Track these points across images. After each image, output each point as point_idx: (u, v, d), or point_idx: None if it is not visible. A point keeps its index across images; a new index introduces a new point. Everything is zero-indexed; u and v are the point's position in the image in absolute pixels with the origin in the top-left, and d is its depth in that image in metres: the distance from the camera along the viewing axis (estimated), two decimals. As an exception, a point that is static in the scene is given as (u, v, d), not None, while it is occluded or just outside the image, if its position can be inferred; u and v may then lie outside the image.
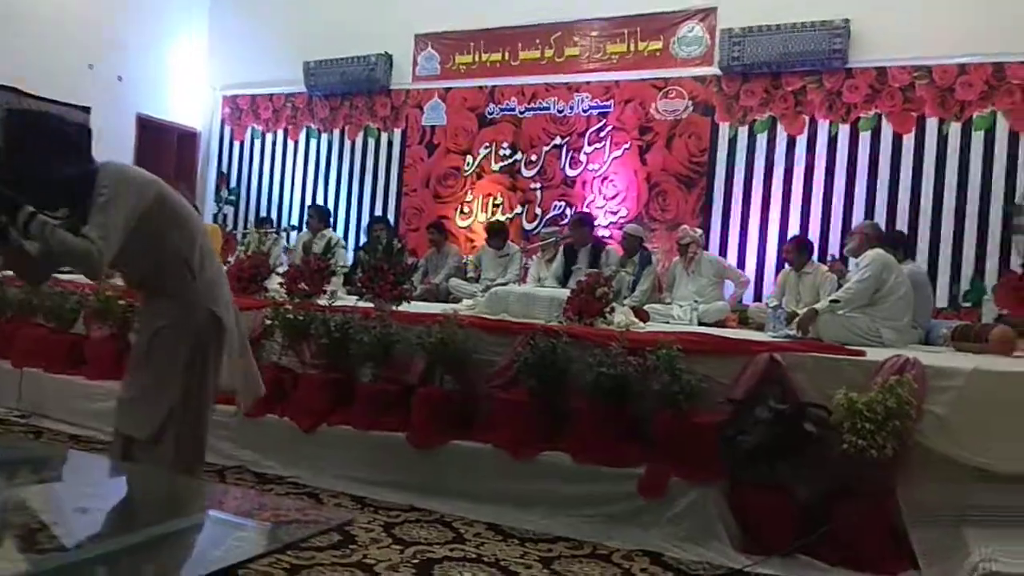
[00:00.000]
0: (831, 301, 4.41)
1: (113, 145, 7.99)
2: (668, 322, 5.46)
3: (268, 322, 4.19)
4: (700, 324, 5.43)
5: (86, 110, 8.20)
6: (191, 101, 9.58)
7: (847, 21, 6.55)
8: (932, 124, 6.41)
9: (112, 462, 2.40)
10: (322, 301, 4.46)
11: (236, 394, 2.56)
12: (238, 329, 2.51)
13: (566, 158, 7.76)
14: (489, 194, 8.09)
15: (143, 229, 2.20)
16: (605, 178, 7.58)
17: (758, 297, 6.56)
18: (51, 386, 4.90)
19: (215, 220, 9.33)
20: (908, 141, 6.49)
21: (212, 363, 2.41)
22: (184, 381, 2.33)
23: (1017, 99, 6.12)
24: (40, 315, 5.19)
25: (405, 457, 3.78)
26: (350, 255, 7.50)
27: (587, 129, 7.66)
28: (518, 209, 7.93)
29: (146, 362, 2.36)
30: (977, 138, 6.25)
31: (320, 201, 8.58)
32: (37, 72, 7.61)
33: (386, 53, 8.47)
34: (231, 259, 5.52)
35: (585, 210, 7.34)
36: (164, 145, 9.33)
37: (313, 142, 9.03)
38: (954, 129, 6.34)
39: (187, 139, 9.69)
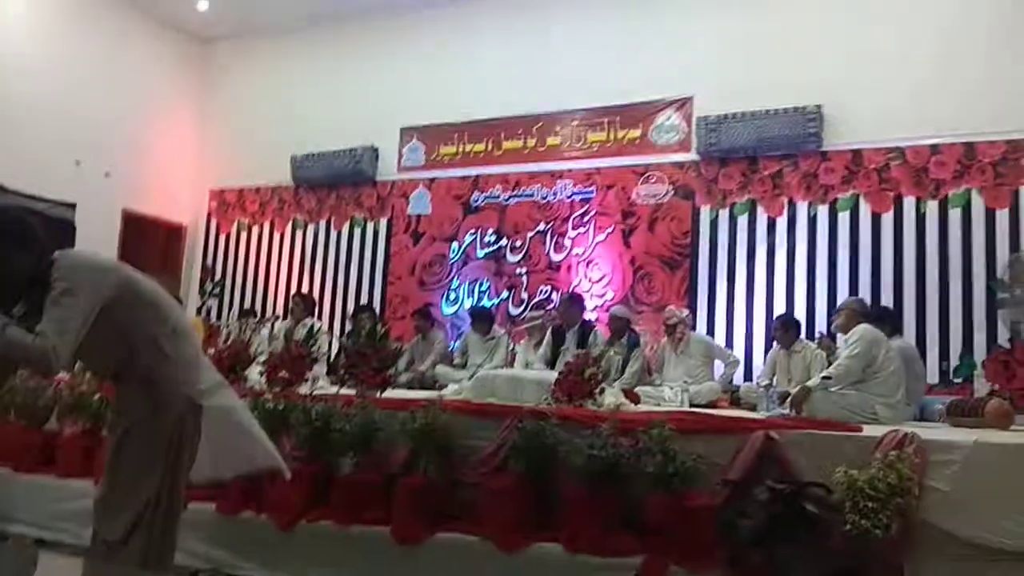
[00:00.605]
0: (823, 378, 4.36)
1: (98, 241, 8.04)
2: (659, 404, 5.36)
3: (247, 412, 4.05)
4: (692, 405, 5.33)
5: (72, 207, 8.24)
6: (178, 196, 9.67)
7: (819, 107, 6.76)
8: (909, 203, 6.52)
9: (84, 564, 2.27)
10: (303, 390, 4.34)
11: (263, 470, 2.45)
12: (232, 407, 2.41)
13: (551, 243, 7.81)
14: (475, 280, 8.09)
15: (107, 318, 2.12)
16: (590, 262, 7.61)
17: (748, 377, 6.48)
18: (20, 486, 4.68)
19: (199, 313, 9.25)
20: (887, 220, 6.58)
21: (187, 457, 2.30)
22: (158, 479, 2.22)
23: (989, 177, 6.26)
24: (11, 411, 5.01)
25: (388, 553, 3.59)
26: (335, 345, 7.41)
27: (571, 215, 7.75)
28: (504, 294, 7.92)
29: (119, 460, 2.26)
30: (954, 216, 6.35)
31: (306, 291, 8.54)
32: (23, 168, 7.68)
33: (372, 145, 8.63)
34: (212, 351, 5.41)
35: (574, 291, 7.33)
36: (149, 240, 9.35)
37: (299, 233, 9.07)
38: (931, 207, 6.44)
39: (173, 233, 9.72)
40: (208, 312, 9.32)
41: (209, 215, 9.67)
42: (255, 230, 9.36)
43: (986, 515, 3.07)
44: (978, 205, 6.28)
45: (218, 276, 9.48)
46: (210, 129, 9.80)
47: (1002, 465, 3.18)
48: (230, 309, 9.15)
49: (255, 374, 4.75)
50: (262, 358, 4.86)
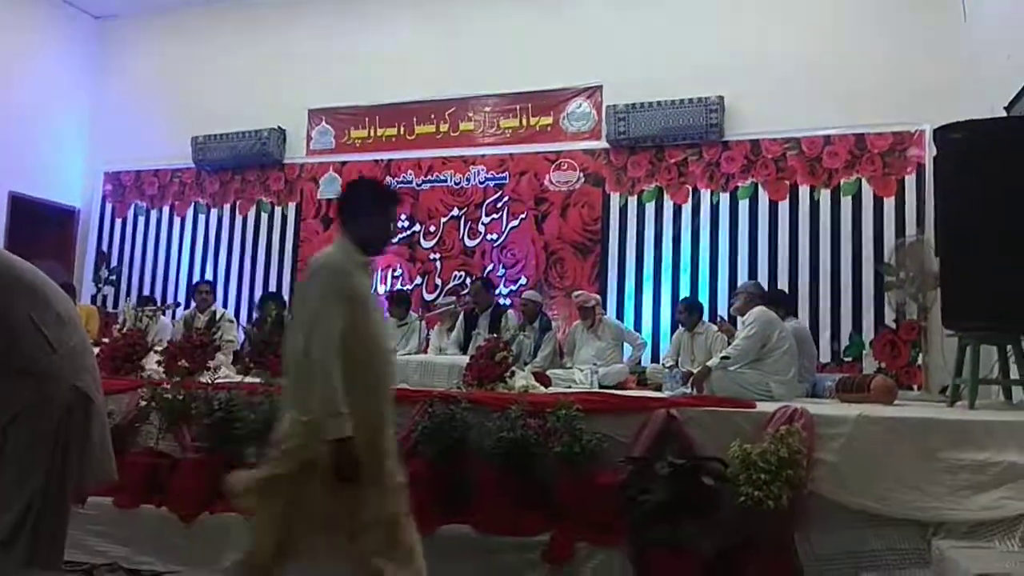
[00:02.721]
0: (722, 358, 4.53)
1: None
2: (570, 386, 5.45)
3: (144, 403, 3.90)
4: (601, 387, 5.45)
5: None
6: (70, 179, 9.14)
7: (721, 98, 6.98)
8: (804, 191, 6.83)
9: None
10: (205, 378, 4.20)
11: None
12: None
13: (464, 229, 7.80)
14: (388, 266, 8.00)
15: None
16: (504, 248, 7.65)
17: (655, 359, 6.67)
18: None
19: (94, 301, 8.78)
20: (783, 207, 6.87)
21: (75, 447, 2.18)
22: (43, 475, 2.10)
23: (878, 167, 6.62)
24: None
25: (296, 541, 3.53)
26: (240, 333, 7.18)
27: (484, 200, 7.75)
28: (418, 280, 7.87)
29: (0, 458, 2.12)
30: (845, 203, 6.69)
31: (210, 278, 8.24)
32: None
33: (279, 127, 8.39)
34: (106, 340, 5.16)
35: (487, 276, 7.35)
36: (39, 224, 8.80)
37: (202, 218, 8.73)
38: (824, 195, 6.77)
39: (64, 218, 9.18)
40: (104, 300, 8.87)
41: (104, 198, 9.17)
42: (154, 214, 8.95)
43: (869, 484, 3.28)
44: (867, 193, 6.64)
45: (114, 262, 9.02)
46: (104, 109, 9.28)
47: (883, 437, 3.39)
48: (128, 297, 8.74)
49: (152, 363, 4.56)
50: (160, 347, 4.67)
